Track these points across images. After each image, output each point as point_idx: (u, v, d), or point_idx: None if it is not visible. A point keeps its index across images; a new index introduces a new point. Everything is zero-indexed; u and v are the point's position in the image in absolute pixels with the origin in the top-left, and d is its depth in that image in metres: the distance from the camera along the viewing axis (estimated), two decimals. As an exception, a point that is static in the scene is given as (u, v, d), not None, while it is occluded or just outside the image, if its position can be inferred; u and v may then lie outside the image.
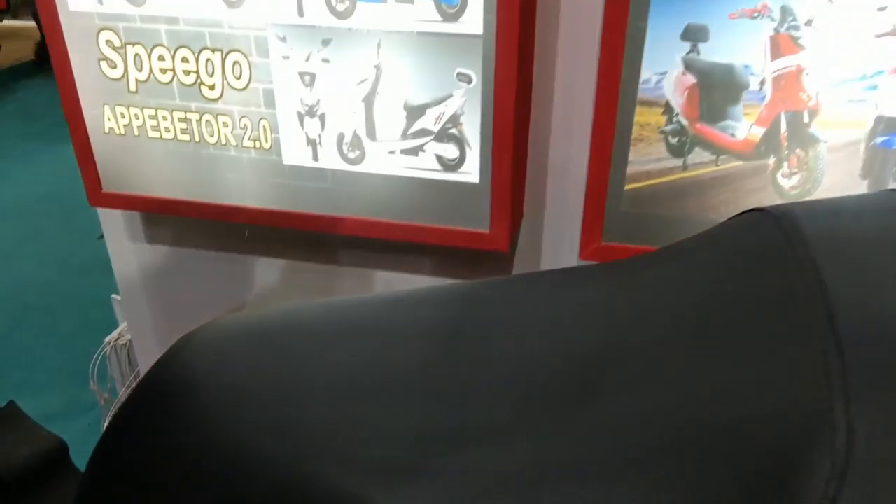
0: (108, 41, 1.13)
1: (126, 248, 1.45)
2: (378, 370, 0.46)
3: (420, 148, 1.09)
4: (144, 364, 1.62)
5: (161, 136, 1.18)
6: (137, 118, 1.18)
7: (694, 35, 0.95)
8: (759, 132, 0.98)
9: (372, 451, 0.41)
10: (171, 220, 1.39)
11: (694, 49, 0.96)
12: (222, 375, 0.47)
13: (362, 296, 0.56)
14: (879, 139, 0.94)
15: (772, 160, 0.99)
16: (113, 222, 1.42)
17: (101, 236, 1.48)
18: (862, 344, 0.33)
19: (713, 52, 0.95)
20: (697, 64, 0.96)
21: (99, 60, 1.14)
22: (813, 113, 0.96)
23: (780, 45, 0.93)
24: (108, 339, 1.71)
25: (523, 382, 0.43)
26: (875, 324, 0.34)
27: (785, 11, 0.91)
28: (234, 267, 1.41)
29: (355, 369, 0.46)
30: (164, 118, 1.17)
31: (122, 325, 1.73)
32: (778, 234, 0.42)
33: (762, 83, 0.95)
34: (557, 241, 1.20)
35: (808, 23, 0.91)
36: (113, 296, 1.80)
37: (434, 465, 0.40)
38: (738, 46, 0.94)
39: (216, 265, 1.41)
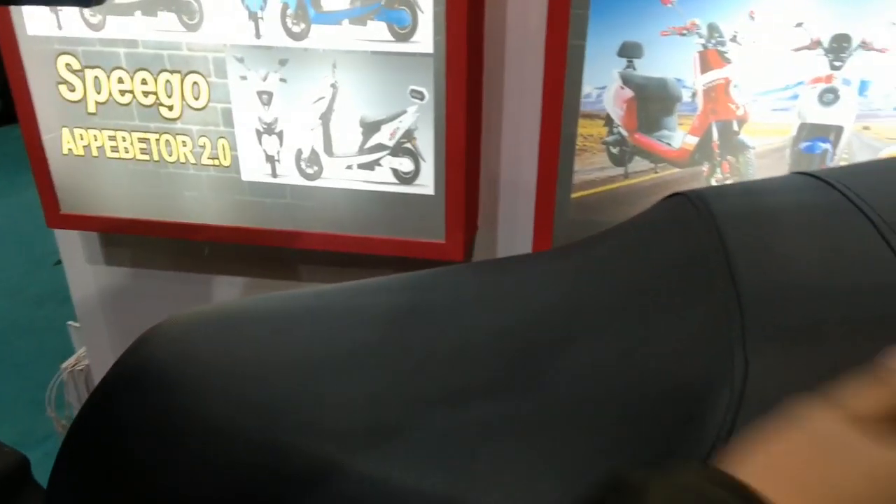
0: (67, 64, 1.15)
1: (84, 270, 1.45)
2: (337, 348, 0.49)
3: (376, 162, 1.13)
4: (104, 388, 1.61)
5: (120, 157, 1.21)
6: (96, 139, 1.20)
7: (629, 52, 1.01)
8: (693, 141, 1.05)
9: (336, 417, 0.44)
10: (129, 241, 1.40)
11: (630, 65, 1.02)
12: (190, 359, 0.49)
13: (318, 287, 0.60)
14: (803, 144, 1.02)
15: (706, 167, 1.06)
16: (70, 245, 1.42)
17: (59, 262, 1.48)
18: (758, 294, 0.38)
19: (648, 68, 1.02)
20: (634, 79, 1.03)
21: (57, 83, 1.16)
22: (741, 122, 1.03)
23: (709, 59, 1.00)
24: (64, 365, 1.70)
25: (475, 351, 0.47)
26: (770, 281, 0.39)
27: (712, 28, 0.98)
28: (194, 287, 1.42)
29: (315, 348, 0.50)
30: (124, 139, 1.19)
31: (80, 351, 1.72)
32: (691, 211, 0.47)
33: (694, 95, 1.02)
34: (510, 250, 1.25)
35: (733, 38, 0.98)
36: (69, 323, 1.79)
37: (395, 426, 0.43)
38: (671, 61, 1.01)
39: (176, 285, 1.42)
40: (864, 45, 0.96)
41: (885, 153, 1.00)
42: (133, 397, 0.48)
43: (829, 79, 0.98)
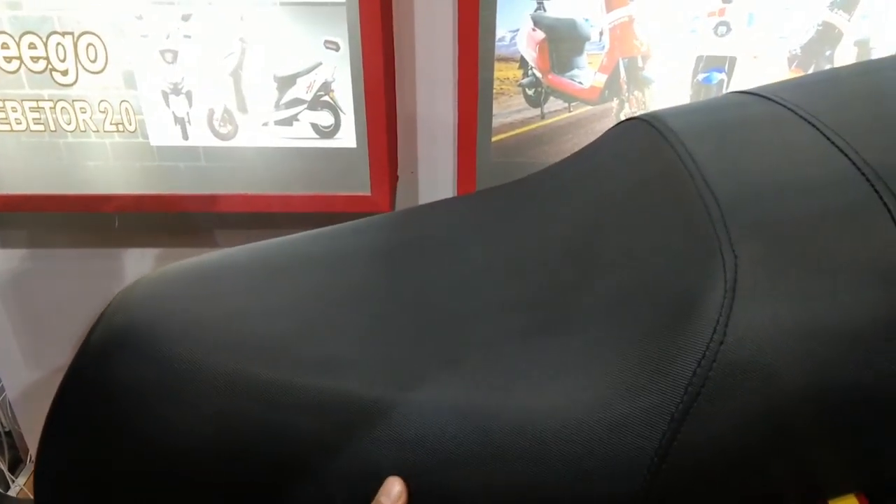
0: (-61, 30, 1.05)
1: (-26, 256, 1.35)
2: (335, 287, 0.50)
3: (294, 118, 1.12)
4: (8, 380, 1.52)
5: (11, 129, 1.12)
6: (-19, 111, 1.11)
7: (539, -7, 1.05)
8: (602, 79, 1.10)
9: (350, 348, 0.45)
10: (25, 221, 1.31)
11: (540, 6, 1.05)
12: (177, 311, 0.49)
13: (283, 238, 0.60)
14: (701, 76, 1.09)
15: (615, 103, 1.12)
16: (-44, 230, 1.32)
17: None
18: (733, 196, 0.42)
19: (557, 9, 1.05)
20: (544, 20, 1.06)
21: (-70, 51, 1.06)
22: (645, 58, 1.09)
23: (613, -2, 1.05)
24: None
25: (477, 277, 0.49)
26: (739, 180, 0.43)
27: (614, -32, 1.03)
28: (100, 262, 1.36)
29: (309, 291, 0.50)
30: (14, 109, 1.11)
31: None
32: (651, 131, 0.51)
33: (601, 34, 1.07)
34: (433, 197, 1.27)
35: (635, -23, 1.03)
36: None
37: (408, 355, 0.45)
38: (578, 1, 1.05)
39: (80, 263, 1.35)
40: (751, -20, 1.03)
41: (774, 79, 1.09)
42: (125, 356, 0.46)
43: (721, 12, 1.05)
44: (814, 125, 0.45)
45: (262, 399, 0.43)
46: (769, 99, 0.51)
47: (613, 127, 0.58)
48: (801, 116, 0.47)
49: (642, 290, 0.42)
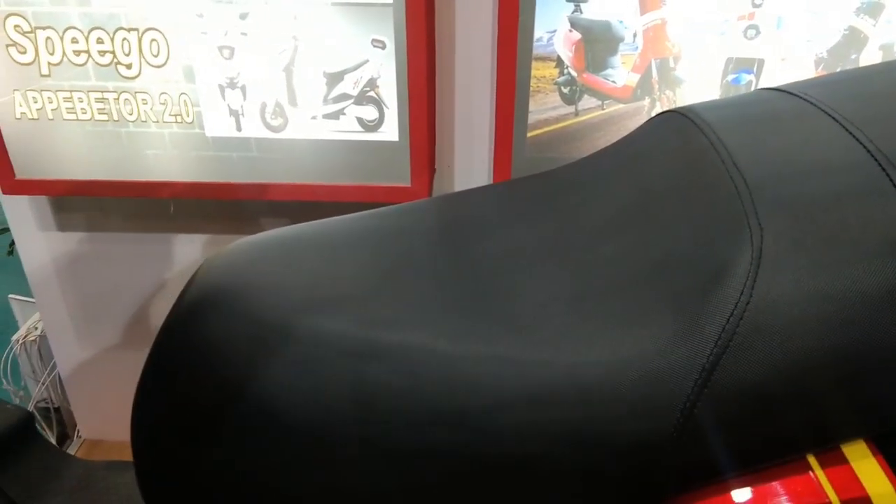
0: (16, 26, 1.13)
1: (36, 238, 1.43)
2: (404, 257, 0.56)
3: (341, 112, 1.18)
4: (61, 357, 1.60)
5: (77, 118, 1.20)
6: (51, 102, 1.19)
7: (576, -4, 1.10)
8: (635, 78, 1.16)
9: (393, 310, 0.51)
10: (83, 205, 1.39)
11: (577, 9, 1.11)
12: (265, 274, 0.55)
13: (347, 215, 0.66)
14: (730, 77, 1.14)
15: (647, 101, 1.17)
16: (20, 214, 1.40)
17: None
18: (760, 178, 0.48)
19: (593, 11, 1.11)
20: (581, 21, 1.12)
21: (7, 46, 1.14)
22: (676, 59, 1.14)
23: (647, 1, 1.10)
24: (15, 337, 1.67)
25: (530, 251, 0.55)
26: (765, 164, 0.49)
27: (649, -27, 1.08)
28: (153, 247, 1.43)
29: (382, 259, 0.56)
30: (80, 100, 1.18)
31: (28, 323, 1.69)
32: (686, 122, 0.56)
33: (635, 35, 1.12)
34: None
35: (668, -18, 1.09)
36: (10, 296, 1.75)
37: (445, 317, 0.50)
38: (613, 4, 1.10)
39: (134, 247, 1.43)
40: (780, -15, 1.08)
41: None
42: (218, 314, 0.53)
43: (751, 16, 1.10)
44: (835, 118, 0.51)
45: (342, 350, 0.49)
46: (794, 95, 0.56)
47: (650, 119, 0.64)
48: (823, 110, 0.52)
49: (677, 259, 0.47)
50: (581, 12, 1.11)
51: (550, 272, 0.53)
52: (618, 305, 0.48)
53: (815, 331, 0.42)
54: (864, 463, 0.43)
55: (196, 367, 0.53)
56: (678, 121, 0.58)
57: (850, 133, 0.49)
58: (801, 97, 0.55)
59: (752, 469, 0.44)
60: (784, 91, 0.58)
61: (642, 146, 0.59)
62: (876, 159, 0.45)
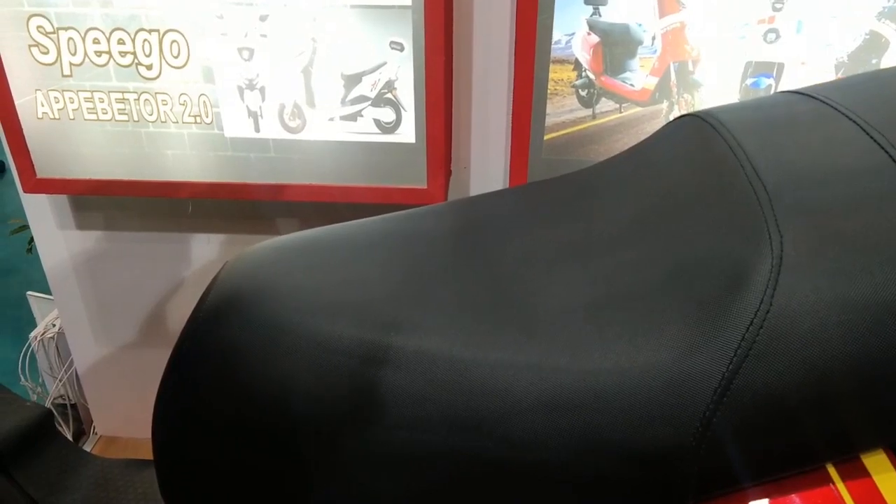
0: (39, 27, 1.14)
1: (55, 236, 1.45)
2: (422, 261, 0.56)
3: (358, 113, 1.19)
4: (79, 355, 1.62)
5: (98, 118, 1.21)
6: (72, 101, 1.20)
7: (595, -1, 1.10)
8: (653, 81, 1.15)
9: (409, 314, 0.51)
10: (102, 204, 1.41)
11: (596, 12, 1.11)
12: (275, 278, 0.55)
13: (365, 219, 0.66)
14: (749, 80, 1.14)
15: (665, 105, 1.16)
16: (40, 212, 1.42)
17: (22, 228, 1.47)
18: (779, 182, 0.47)
19: (612, 14, 1.11)
20: (599, 24, 1.12)
21: (29, 46, 1.16)
22: (695, 62, 1.13)
23: (666, 4, 1.10)
24: (32, 334, 1.69)
25: (547, 253, 0.55)
26: (784, 169, 0.49)
27: (668, -24, 1.08)
28: (170, 246, 1.45)
29: (399, 264, 0.57)
30: (101, 100, 1.20)
31: (46, 319, 1.71)
32: (705, 126, 0.56)
33: (653, 38, 1.12)
34: (485, 191, 1.33)
35: (688, -15, 1.08)
36: (29, 293, 1.77)
37: (462, 322, 0.50)
38: (632, 7, 1.10)
39: (152, 246, 1.44)
40: (802, -11, 1.07)
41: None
42: (235, 319, 0.53)
43: (771, 19, 1.10)
44: (854, 122, 0.50)
45: (355, 355, 0.49)
46: (814, 98, 0.56)
47: (669, 122, 0.63)
48: (843, 114, 0.52)
49: (697, 265, 0.47)
50: (600, 15, 1.11)
51: (568, 277, 0.53)
52: (636, 312, 0.48)
53: (835, 338, 0.42)
54: (886, 477, 0.42)
55: (219, 370, 0.53)
56: (697, 124, 0.57)
57: (871, 136, 0.48)
58: (821, 100, 0.55)
59: (771, 478, 0.44)
60: (804, 94, 0.57)
61: (661, 150, 0.59)
62: (898, 165, 0.45)
